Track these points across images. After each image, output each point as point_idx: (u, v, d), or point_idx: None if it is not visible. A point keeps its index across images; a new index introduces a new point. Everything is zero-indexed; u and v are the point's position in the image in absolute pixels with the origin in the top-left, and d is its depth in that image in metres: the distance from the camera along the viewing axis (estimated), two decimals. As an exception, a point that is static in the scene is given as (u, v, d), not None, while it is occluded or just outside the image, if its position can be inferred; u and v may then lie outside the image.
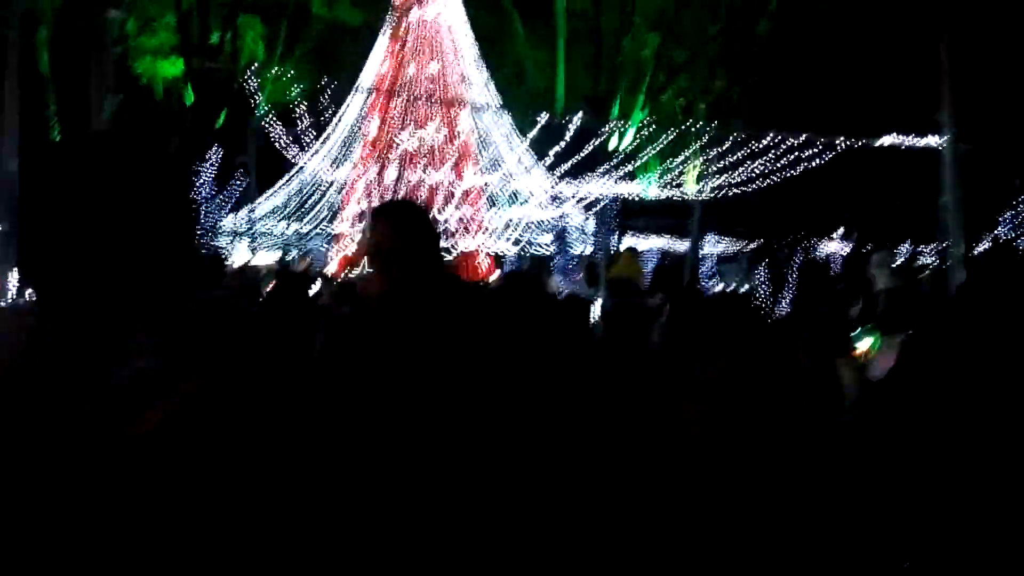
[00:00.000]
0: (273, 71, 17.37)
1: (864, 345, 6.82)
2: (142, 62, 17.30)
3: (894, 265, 12.70)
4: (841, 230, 20.24)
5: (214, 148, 14.11)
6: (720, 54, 20.23)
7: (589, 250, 19.63)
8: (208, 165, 14.75)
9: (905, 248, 15.91)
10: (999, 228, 15.30)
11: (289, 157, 18.78)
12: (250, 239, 21.66)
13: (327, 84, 17.27)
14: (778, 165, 11.74)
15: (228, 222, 23.23)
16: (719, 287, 21.21)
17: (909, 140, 9.10)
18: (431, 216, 2.58)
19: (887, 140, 9.31)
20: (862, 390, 5.68)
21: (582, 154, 14.94)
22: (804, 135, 10.68)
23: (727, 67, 20.20)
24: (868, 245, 13.41)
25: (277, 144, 17.85)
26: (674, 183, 18.67)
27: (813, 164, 10.93)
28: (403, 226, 2.46)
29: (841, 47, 17.52)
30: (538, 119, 15.34)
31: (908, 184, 13.68)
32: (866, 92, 16.79)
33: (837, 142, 10.12)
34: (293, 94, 18.25)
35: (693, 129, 15.43)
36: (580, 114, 16.21)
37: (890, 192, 17.43)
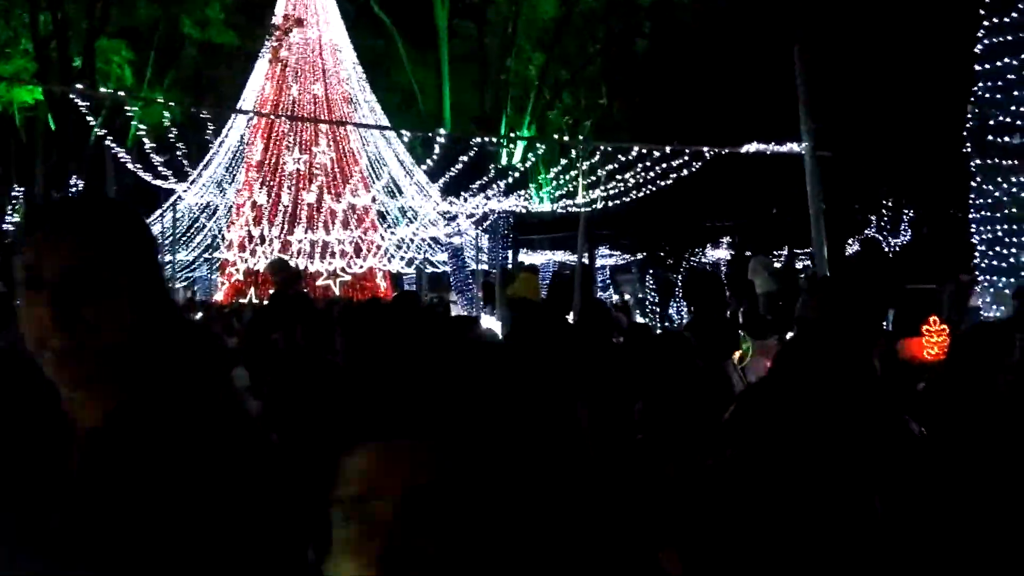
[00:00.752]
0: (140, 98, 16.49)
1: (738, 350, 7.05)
2: (-4, 90, 16.17)
3: (771, 269, 13.28)
4: (728, 238, 21.12)
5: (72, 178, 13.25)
6: (601, 72, 20.81)
7: (484, 267, 19.63)
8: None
9: (784, 253, 16.73)
10: (867, 230, 16.32)
11: (165, 185, 17.87)
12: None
13: (203, 107, 16.57)
14: (650, 176, 12.10)
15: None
16: (614, 298, 21.70)
17: (772, 147, 9.53)
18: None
19: (752, 147, 9.72)
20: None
21: (456, 169, 14.90)
22: (668, 147, 11.04)
23: (608, 85, 20.79)
24: (748, 251, 13.98)
25: (150, 172, 16.95)
26: (564, 197, 18.97)
27: (684, 173, 11.31)
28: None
29: (712, 60, 18.32)
30: (431, 136, 15.24)
31: (785, 190, 14.32)
32: (736, 102, 17.59)
33: (705, 150, 10.48)
34: (166, 119, 17.44)
35: (575, 145, 15.72)
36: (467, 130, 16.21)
37: (769, 198, 18.29)
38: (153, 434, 1.14)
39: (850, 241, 15.03)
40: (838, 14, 14.51)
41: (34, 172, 19.99)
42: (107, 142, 15.47)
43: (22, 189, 15.68)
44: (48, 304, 1.10)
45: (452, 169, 15.26)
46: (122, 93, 16.50)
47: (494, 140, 17.14)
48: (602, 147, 12.41)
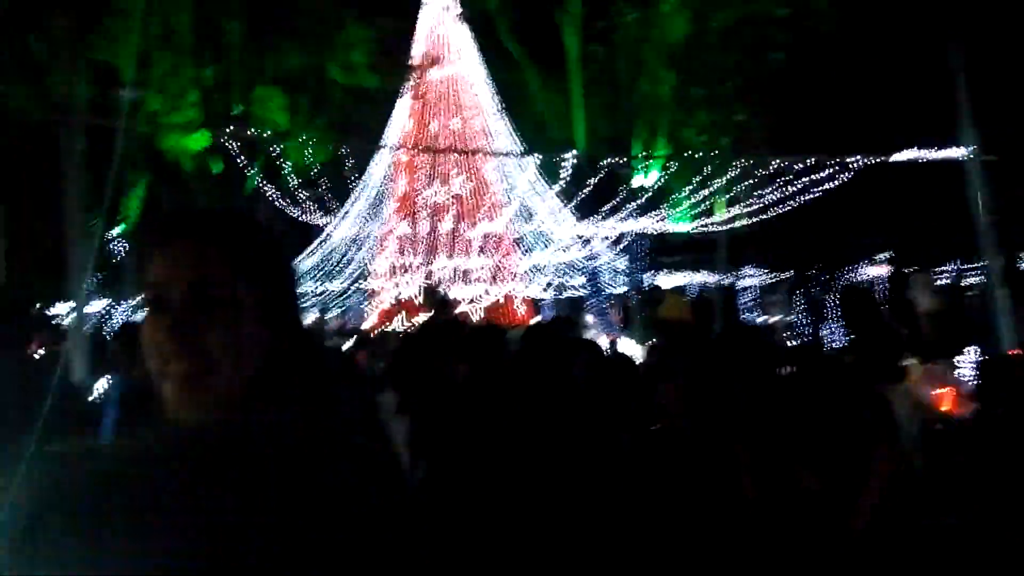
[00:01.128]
0: (300, 138, 17.68)
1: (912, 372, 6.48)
2: (169, 138, 17.78)
3: (934, 287, 12.25)
4: (887, 254, 19.75)
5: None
6: (738, 88, 20.20)
7: (622, 289, 19.43)
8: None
9: (951, 268, 15.38)
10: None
11: (318, 221, 19.00)
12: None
13: (348, 147, 17.54)
14: (792, 190, 11.47)
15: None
16: (761, 319, 20.79)
17: (929, 154, 8.77)
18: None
19: (905, 155, 8.99)
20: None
21: (587, 191, 14.80)
22: (813, 157, 10.41)
23: (746, 100, 20.12)
24: (909, 267, 12.99)
25: (302, 209, 18.05)
26: (702, 217, 18.47)
27: (830, 185, 10.62)
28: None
29: (856, 67, 17.31)
30: (562, 159, 15.31)
31: (949, 201, 13.25)
32: (886, 110, 16.50)
33: (850, 160, 9.80)
34: (318, 158, 18.56)
35: (712, 162, 15.27)
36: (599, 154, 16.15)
37: (931, 210, 16.97)
38: (271, 454, 1.01)
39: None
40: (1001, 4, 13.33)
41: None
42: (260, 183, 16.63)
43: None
44: (169, 329, 1.04)
45: (583, 192, 15.23)
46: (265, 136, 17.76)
47: (624, 160, 16.99)
48: (740, 163, 11.96)
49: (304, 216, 18.11)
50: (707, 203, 18.33)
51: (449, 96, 24.62)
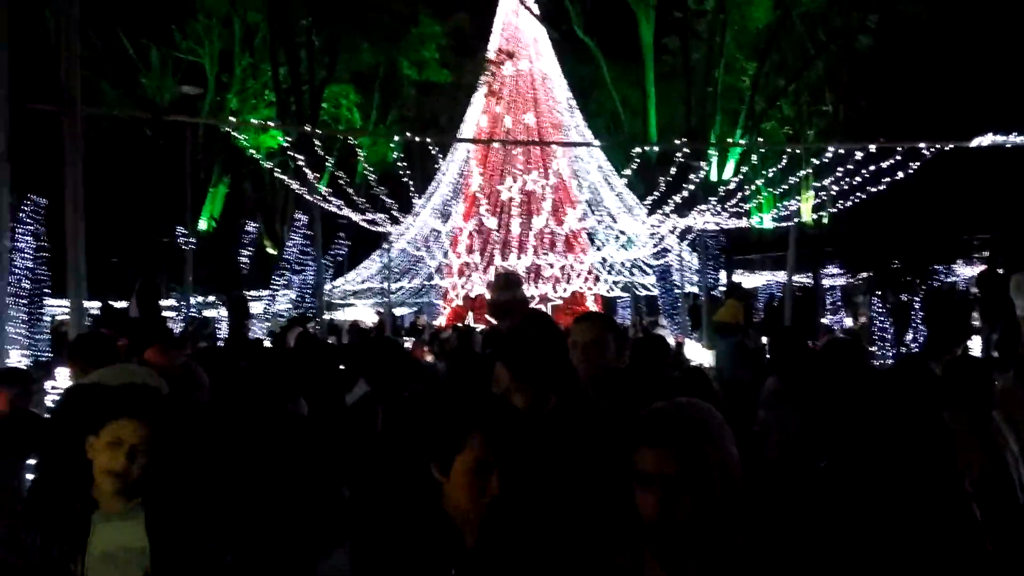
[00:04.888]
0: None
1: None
2: (247, 136, 18.24)
3: None
4: (985, 252, 18.27)
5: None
6: (824, 74, 19.14)
7: (695, 289, 18.69)
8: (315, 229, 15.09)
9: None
10: None
11: (388, 219, 19.08)
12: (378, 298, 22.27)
13: (421, 140, 17.50)
14: (856, 181, 10.62)
15: (339, 283, 24.07)
16: (847, 322, 19.62)
17: (1013, 139, 7.87)
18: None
19: (986, 140, 8.10)
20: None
21: (662, 186, 14.18)
22: (873, 145, 9.58)
23: (832, 89, 19.07)
24: (1003, 267, 11.88)
25: (375, 205, 18.14)
26: (786, 213, 17.57)
27: (899, 175, 9.77)
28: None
29: (948, 52, 16.02)
30: (632, 154, 14.80)
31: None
32: (972, 94, 15.18)
33: (922, 146, 8.95)
34: (391, 154, 18.63)
35: (796, 151, 14.42)
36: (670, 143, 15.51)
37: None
38: None
39: None
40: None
41: (275, 211, 22.36)
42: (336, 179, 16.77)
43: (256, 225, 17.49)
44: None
45: (656, 190, 14.67)
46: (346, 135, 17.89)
47: (700, 153, 16.28)
48: (809, 155, 11.20)
49: (376, 214, 18.20)
50: (791, 199, 17.47)
51: (524, 91, 24.38)
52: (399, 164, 17.50)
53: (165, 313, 13.46)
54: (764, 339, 11.01)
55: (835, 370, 4.16)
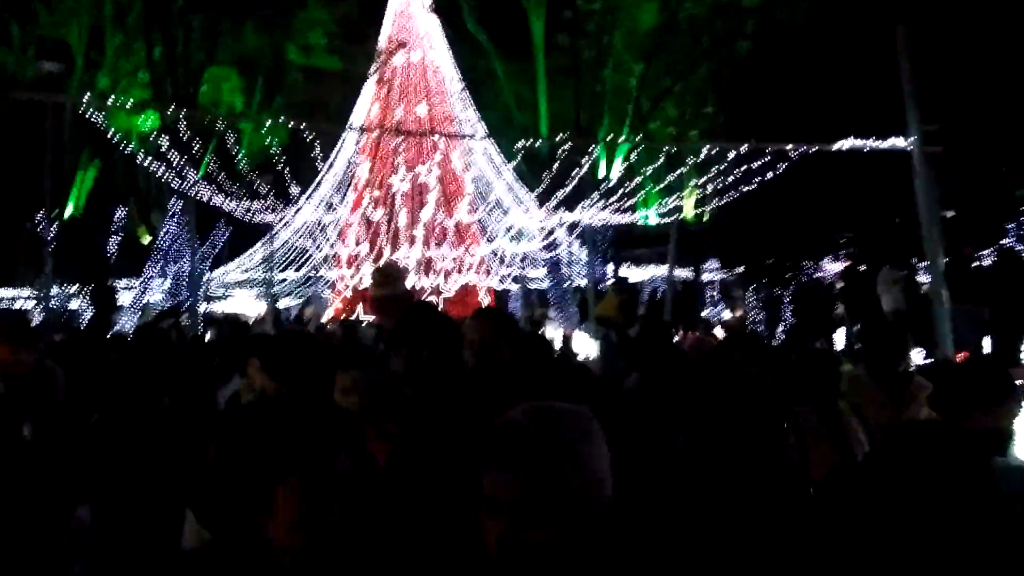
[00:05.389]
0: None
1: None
2: (118, 119, 17.16)
3: (905, 283, 11.89)
4: (849, 249, 19.48)
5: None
6: (706, 79, 19.89)
7: (584, 282, 19.05)
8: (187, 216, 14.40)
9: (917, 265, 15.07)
10: (1006, 239, 14.49)
11: (270, 209, 18.43)
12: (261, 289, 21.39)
13: (309, 129, 16.95)
14: (729, 180, 11.16)
15: (218, 273, 23.08)
16: (725, 314, 20.52)
17: (871, 143, 8.41)
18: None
19: (847, 143, 8.63)
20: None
21: (547, 178, 14.39)
22: (745, 145, 10.08)
23: (715, 92, 19.84)
24: (865, 263, 12.69)
25: (255, 196, 17.48)
26: (669, 210, 18.15)
27: (767, 176, 10.33)
28: None
29: (822, 58, 16.98)
30: (522, 148, 14.88)
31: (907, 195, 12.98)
32: (841, 100, 16.18)
33: (789, 147, 9.45)
34: (275, 141, 17.98)
35: (675, 149, 14.92)
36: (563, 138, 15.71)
37: (889, 205, 16.73)
38: None
39: (985, 252, 13.37)
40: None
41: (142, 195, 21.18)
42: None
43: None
44: None
45: (545, 185, 14.81)
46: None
47: (589, 149, 16.59)
48: (688, 154, 11.61)
49: (257, 203, 17.54)
50: (674, 196, 18.04)
51: (415, 82, 24.10)
52: (278, 154, 16.93)
53: (24, 306, 12.52)
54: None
55: (695, 369, 4.24)
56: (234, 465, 1.54)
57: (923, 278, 12.06)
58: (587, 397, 3.68)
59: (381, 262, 21.59)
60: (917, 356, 8.33)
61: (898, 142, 8.07)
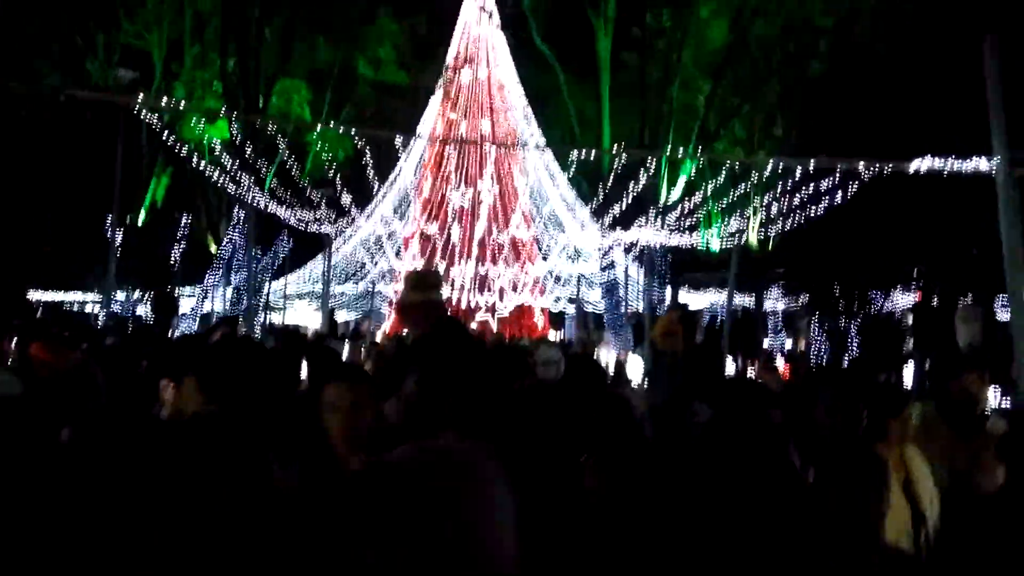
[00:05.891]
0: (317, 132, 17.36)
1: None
2: (190, 128, 17.66)
3: (985, 320, 11.16)
4: (920, 280, 18.54)
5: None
6: (778, 100, 19.36)
7: (640, 305, 18.65)
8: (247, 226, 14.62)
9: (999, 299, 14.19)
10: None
11: (331, 221, 18.62)
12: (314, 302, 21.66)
13: (373, 141, 17.10)
14: (794, 202, 10.66)
15: (279, 285, 23.45)
16: (788, 344, 19.79)
17: (951, 163, 7.86)
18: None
19: (924, 164, 8.08)
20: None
21: (603, 193, 14.09)
22: (813, 160, 9.59)
23: (785, 113, 19.30)
24: (937, 295, 12.03)
25: (316, 207, 17.69)
26: (732, 233, 17.66)
27: (837, 198, 9.81)
28: None
29: (892, 76, 16.26)
30: (579, 157, 14.67)
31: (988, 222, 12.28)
32: (919, 123, 15.44)
33: (860, 166, 8.93)
34: (339, 153, 18.22)
35: (738, 165, 14.48)
36: (621, 152, 15.44)
37: (966, 233, 15.88)
38: None
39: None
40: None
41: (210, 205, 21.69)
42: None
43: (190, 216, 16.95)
44: None
45: (599, 193, 14.56)
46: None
47: (652, 168, 16.26)
48: (757, 169, 11.20)
49: (318, 215, 17.76)
50: (736, 216, 17.57)
51: (480, 97, 24.19)
52: (348, 162, 17.11)
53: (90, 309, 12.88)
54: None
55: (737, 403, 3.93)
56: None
57: (1003, 315, 11.35)
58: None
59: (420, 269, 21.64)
60: (994, 396, 7.76)
61: (981, 163, 7.56)
